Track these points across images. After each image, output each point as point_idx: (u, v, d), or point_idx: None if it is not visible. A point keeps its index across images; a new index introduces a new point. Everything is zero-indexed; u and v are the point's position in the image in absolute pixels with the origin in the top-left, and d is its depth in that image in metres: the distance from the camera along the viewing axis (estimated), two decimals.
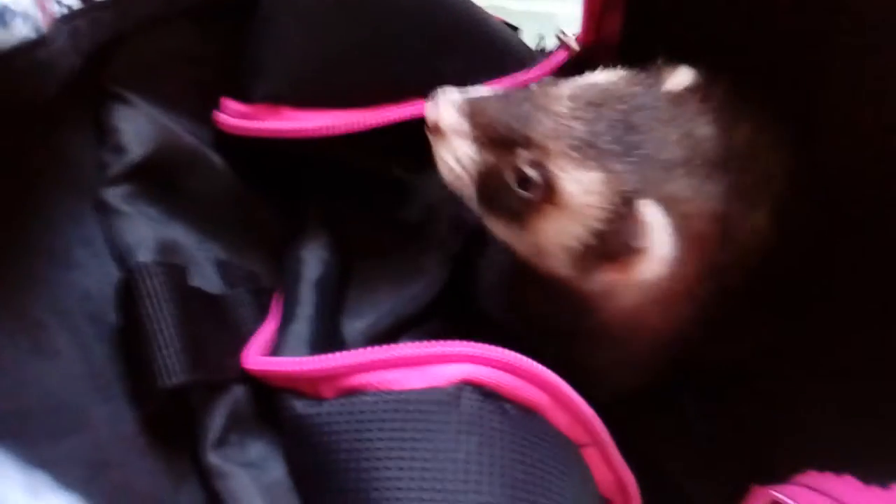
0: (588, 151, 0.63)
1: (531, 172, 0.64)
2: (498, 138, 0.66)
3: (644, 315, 0.68)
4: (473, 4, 0.82)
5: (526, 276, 0.72)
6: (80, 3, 0.64)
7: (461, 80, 0.72)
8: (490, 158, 0.66)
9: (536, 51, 0.91)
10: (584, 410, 0.59)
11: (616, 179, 0.62)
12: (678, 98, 0.66)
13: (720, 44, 0.76)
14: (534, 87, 0.70)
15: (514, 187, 0.65)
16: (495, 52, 0.82)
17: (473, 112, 0.67)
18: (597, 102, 0.65)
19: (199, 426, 0.61)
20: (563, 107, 0.65)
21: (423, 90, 0.71)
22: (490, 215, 0.69)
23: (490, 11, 0.90)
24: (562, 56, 0.83)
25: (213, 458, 0.60)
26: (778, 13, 0.74)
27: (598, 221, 0.63)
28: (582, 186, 0.63)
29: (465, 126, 0.67)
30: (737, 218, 0.66)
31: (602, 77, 0.69)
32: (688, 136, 0.64)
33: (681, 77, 0.68)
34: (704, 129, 0.65)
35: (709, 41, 0.77)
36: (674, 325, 0.70)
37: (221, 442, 0.61)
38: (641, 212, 0.62)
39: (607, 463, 0.60)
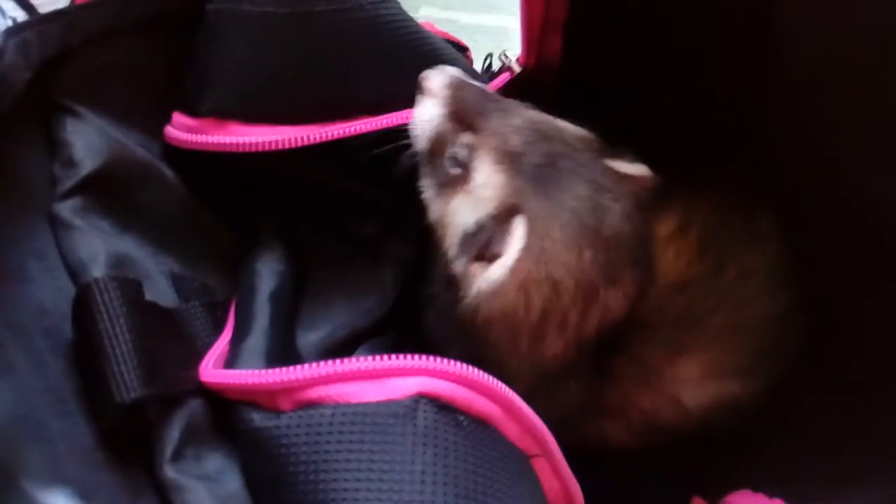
0: (508, 159, 0.73)
1: (462, 153, 0.76)
2: (458, 116, 0.77)
3: (496, 329, 0.73)
4: (417, 25, 0.84)
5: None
6: (25, 15, 0.63)
7: (408, 99, 0.79)
8: (446, 128, 0.78)
9: (482, 70, 0.94)
10: (535, 422, 0.61)
11: (512, 190, 0.72)
12: (614, 173, 0.75)
13: (657, 73, 0.80)
14: (512, 100, 0.80)
15: (447, 158, 0.77)
16: None
17: (455, 88, 0.79)
18: (544, 135, 0.75)
19: (156, 440, 0.61)
20: (516, 122, 0.75)
21: (368, 107, 0.78)
22: (426, 173, 0.81)
23: (441, 25, 0.92)
24: (505, 77, 0.88)
25: (170, 472, 0.60)
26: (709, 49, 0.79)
27: (484, 216, 0.73)
28: (488, 181, 0.74)
29: (443, 94, 0.78)
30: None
31: (568, 125, 0.78)
32: (593, 200, 0.72)
33: (634, 170, 0.76)
34: (614, 212, 0.72)
35: (646, 70, 0.81)
36: (545, 363, 0.74)
37: (178, 455, 0.61)
38: (513, 225, 0.71)
39: (556, 474, 0.62)
